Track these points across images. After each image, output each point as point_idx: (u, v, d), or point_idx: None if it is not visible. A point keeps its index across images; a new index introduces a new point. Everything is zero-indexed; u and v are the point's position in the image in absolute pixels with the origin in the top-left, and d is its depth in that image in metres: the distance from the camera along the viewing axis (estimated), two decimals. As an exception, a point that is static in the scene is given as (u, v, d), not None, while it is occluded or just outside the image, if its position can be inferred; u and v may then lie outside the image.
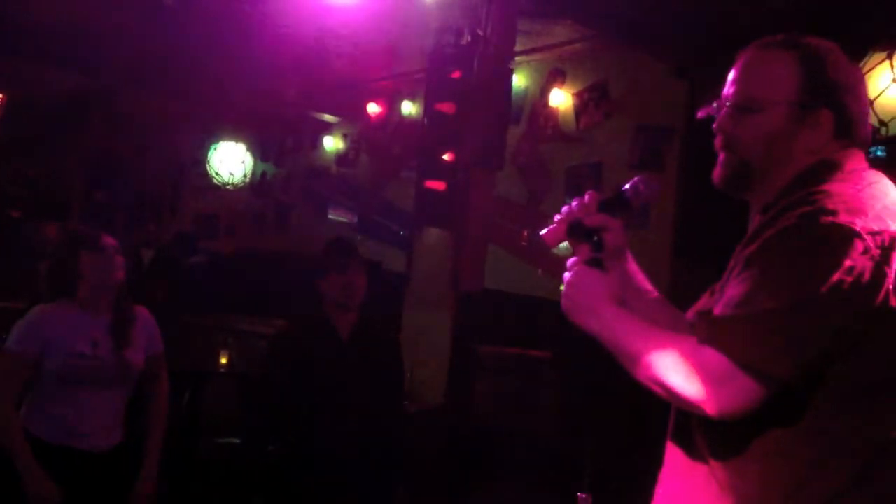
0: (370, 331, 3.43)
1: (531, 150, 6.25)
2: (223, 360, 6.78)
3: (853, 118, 1.52)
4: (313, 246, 7.71)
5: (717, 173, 1.59)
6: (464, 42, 4.79)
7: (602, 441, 4.06)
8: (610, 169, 5.66)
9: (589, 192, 1.67)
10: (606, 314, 1.51)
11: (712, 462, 1.43)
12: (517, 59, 5.44)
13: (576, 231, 1.66)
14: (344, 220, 7.93)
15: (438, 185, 4.79)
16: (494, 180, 5.05)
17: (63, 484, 2.99)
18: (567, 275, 1.60)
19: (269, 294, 7.04)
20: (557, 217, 1.68)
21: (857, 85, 1.54)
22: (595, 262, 1.61)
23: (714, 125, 1.57)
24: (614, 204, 1.66)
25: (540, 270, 4.77)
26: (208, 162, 8.57)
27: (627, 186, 1.65)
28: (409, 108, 7.14)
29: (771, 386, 1.32)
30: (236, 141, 8.55)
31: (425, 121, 4.96)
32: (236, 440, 4.84)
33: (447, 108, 4.78)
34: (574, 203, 1.67)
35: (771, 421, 1.37)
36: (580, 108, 5.96)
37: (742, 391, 1.32)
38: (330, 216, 8.10)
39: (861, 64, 3.68)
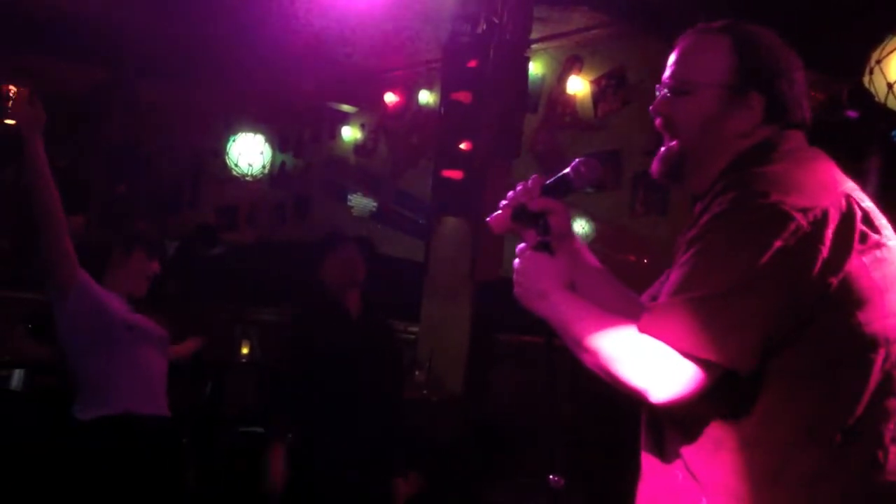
0: (374, 312, 3.50)
1: (548, 137, 6.24)
2: (245, 351, 6.83)
3: (786, 103, 1.53)
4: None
5: (654, 165, 1.61)
6: (480, 30, 4.78)
7: (593, 427, 4.05)
8: (628, 156, 5.65)
9: (532, 176, 1.69)
10: (556, 299, 1.53)
11: (688, 458, 1.43)
12: (534, 46, 5.43)
13: (520, 216, 1.67)
14: (363, 208, 7.95)
15: (455, 174, 4.80)
16: (511, 168, 5.05)
17: (121, 457, 3.06)
18: (516, 261, 1.61)
19: (290, 284, 7.08)
20: (503, 203, 1.69)
21: (792, 70, 1.55)
22: (543, 246, 1.62)
23: (651, 108, 1.60)
24: (557, 187, 1.67)
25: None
26: (227, 153, 8.61)
27: (569, 169, 1.66)
28: (426, 97, 7.15)
29: (712, 372, 1.32)
30: (255, 132, 8.57)
31: (442, 110, 4.97)
32: (259, 429, 4.90)
33: (464, 97, 4.78)
34: (518, 188, 1.68)
35: (736, 411, 1.37)
36: (598, 96, 5.94)
37: (683, 378, 1.32)
38: (349, 205, 8.12)
39: (880, 48, 3.64)
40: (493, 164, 4.88)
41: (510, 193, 1.69)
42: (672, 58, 1.61)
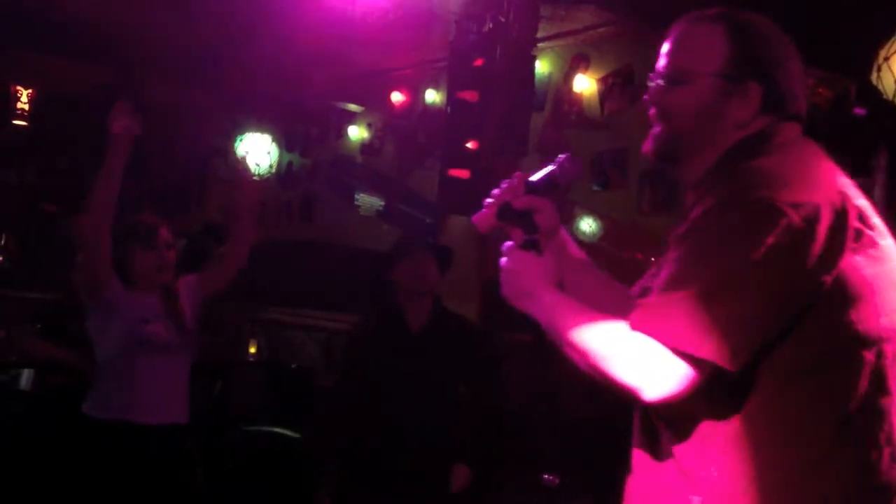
0: (446, 322, 3.41)
1: (555, 136, 6.22)
2: (252, 350, 6.85)
3: (783, 92, 1.50)
4: (339, 235, 7.77)
5: (647, 145, 1.57)
6: (486, 29, 4.78)
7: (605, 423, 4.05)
8: (635, 154, 5.62)
9: (516, 173, 1.67)
10: (544, 299, 1.51)
11: (678, 455, 1.42)
12: (540, 45, 5.42)
13: (506, 215, 1.65)
14: (370, 207, 7.95)
15: (462, 173, 4.80)
16: (518, 167, 5.05)
17: (119, 461, 3.05)
18: (503, 260, 1.59)
19: (296, 283, 7.09)
20: (488, 201, 1.67)
21: (788, 60, 1.52)
22: (530, 245, 1.60)
23: (646, 97, 1.57)
24: (542, 184, 1.65)
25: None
26: (235, 153, 8.62)
27: (554, 165, 1.64)
28: (432, 96, 7.14)
29: (704, 370, 1.30)
30: (262, 132, 8.58)
31: (448, 109, 4.97)
32: (265, 428, 4.90)
33: (470, 95, 4.78)
34: (503, 185, 1.66)
35: (727, 409, 1.36)
36: (605, 94, 5.92)
37: (675, 376, 1.30)
38: (356, 204, 8.12)
39: (888, 45, 3.63)
40: (500, 163, 4.88)
41: (494, 191, 1.67)
42: (665, 47, 1.57)
